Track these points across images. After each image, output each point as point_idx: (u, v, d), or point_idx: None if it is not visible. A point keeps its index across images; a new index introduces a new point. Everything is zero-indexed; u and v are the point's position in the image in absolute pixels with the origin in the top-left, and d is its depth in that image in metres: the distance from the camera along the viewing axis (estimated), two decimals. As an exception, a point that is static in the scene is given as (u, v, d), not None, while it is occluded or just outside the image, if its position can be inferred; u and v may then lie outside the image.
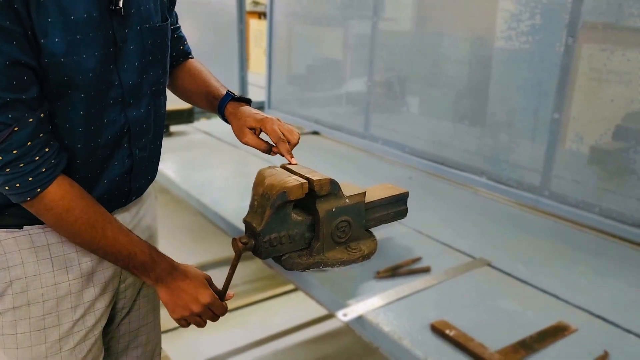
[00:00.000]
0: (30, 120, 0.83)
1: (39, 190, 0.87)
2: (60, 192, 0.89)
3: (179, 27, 1.23)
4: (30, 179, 0.85)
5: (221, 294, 1.11)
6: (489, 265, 1.37)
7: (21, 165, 0.84)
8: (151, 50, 1.00)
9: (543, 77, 1.75)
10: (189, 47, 1.25)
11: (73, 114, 0.89)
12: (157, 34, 1.01)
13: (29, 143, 0.84)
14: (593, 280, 1.33)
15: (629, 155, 1.58)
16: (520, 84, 1.84)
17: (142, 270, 1.00)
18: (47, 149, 0.87)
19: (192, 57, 1.26)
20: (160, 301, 1.13)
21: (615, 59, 1.57)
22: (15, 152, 0.83)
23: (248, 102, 1.17)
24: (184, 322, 1.04)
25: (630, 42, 1.55)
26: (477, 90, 2.02)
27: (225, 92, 1.16)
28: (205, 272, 1.09)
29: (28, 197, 0.87)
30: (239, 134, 1.11)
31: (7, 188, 0.86)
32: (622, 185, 1.60)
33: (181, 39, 1.24)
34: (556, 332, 1.08)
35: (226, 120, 1.17)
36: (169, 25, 1.07)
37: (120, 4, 0.89)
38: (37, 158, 0.85)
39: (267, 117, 1.09)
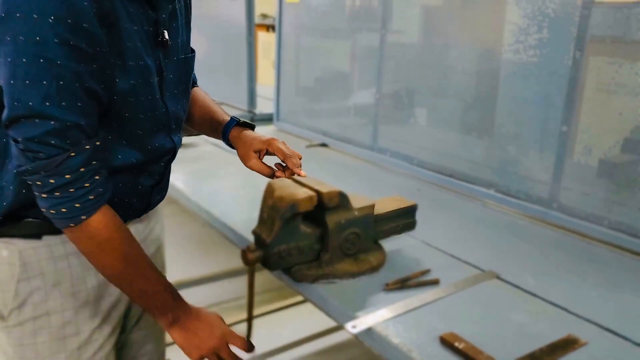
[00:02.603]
0: (87, 147, 0.84)
1: (84, 217, 0.86)
2: (104, 221, 0.89)
3: None
4: (77, 205, 0.85)
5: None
6: (498, 277, 1.36)
7: (71, 190, 0.84)
8: (184, 79, 1.05)
9: (551, 90, 1.76)
10: (195, 76, 1.30)
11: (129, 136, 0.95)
12: (189, 65, 1.07)
13: (81, 169, 0.84)
14: (603, 293, 1.32)
15: (638, 168, 1.57)
16: (528, 97, 1.84)
17: (161, 310, 1.01)
18: (97, 177, 0.87)
19: (197, 86, 1.31)
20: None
21: (624, 72, 1.58)
22: (68, 176, 0.83)
23: (252, 127, 1.20)
24: None
25: (639, 56, 1.55)
26: (485, 103, 2.03)
27: (229, 118, 1.21)
28: (215, 310, 1.12)
29: (71, 223, 0.86)
30: (244, 158, 1.15)
31: (52, 212, 0.85)
32: (632, 198, 1.60)
33: None
34: (566, 345, 1.08)
35: (231, 145, 1.20)
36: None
37: (166, 36, 0.94)
38: (87, 185, 0.85)
39: (272, 138, 1.13)
